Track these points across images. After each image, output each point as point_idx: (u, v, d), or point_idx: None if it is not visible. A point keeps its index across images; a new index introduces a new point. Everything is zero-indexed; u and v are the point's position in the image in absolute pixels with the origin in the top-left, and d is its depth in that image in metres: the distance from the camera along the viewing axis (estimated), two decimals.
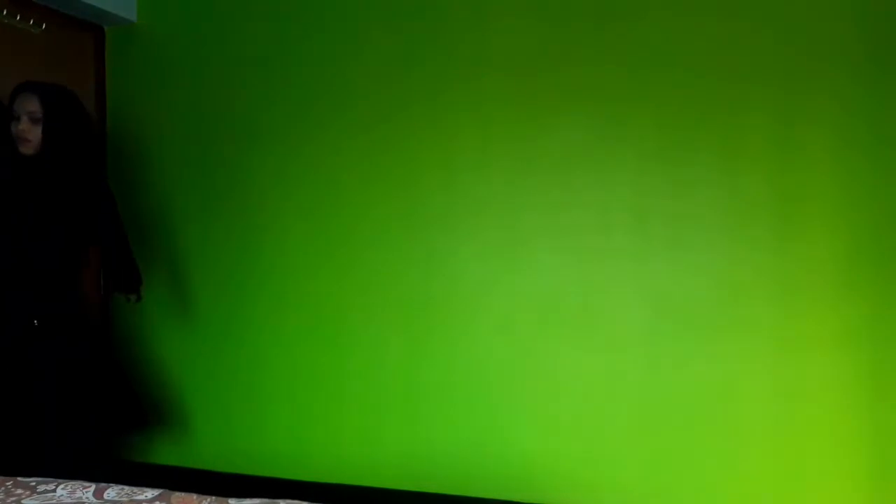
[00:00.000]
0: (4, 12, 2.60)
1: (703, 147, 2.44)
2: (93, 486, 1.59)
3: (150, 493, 1.57)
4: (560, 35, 2.57)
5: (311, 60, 2.85)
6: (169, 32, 3.05)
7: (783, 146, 2.38)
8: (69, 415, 2.31)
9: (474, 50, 2.66)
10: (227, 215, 2.96)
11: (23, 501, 1.51)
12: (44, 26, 2.76)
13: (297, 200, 2.87)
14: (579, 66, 2.55)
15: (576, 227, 2.57)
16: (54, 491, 1.58)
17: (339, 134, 2.82)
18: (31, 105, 2.20)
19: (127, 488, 1.59)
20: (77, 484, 1.61)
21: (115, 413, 2.55)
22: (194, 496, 1.53)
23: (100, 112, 3.10)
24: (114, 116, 3.12)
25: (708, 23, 2.43)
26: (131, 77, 3.10)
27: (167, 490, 1.58)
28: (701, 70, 2.43)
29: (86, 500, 1.53)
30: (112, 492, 1.57)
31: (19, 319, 2.25)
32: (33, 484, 1.62)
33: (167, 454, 3.07)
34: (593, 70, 2.53)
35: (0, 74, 2.53)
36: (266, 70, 2.91)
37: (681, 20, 2.45)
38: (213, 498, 1.51)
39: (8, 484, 1.62)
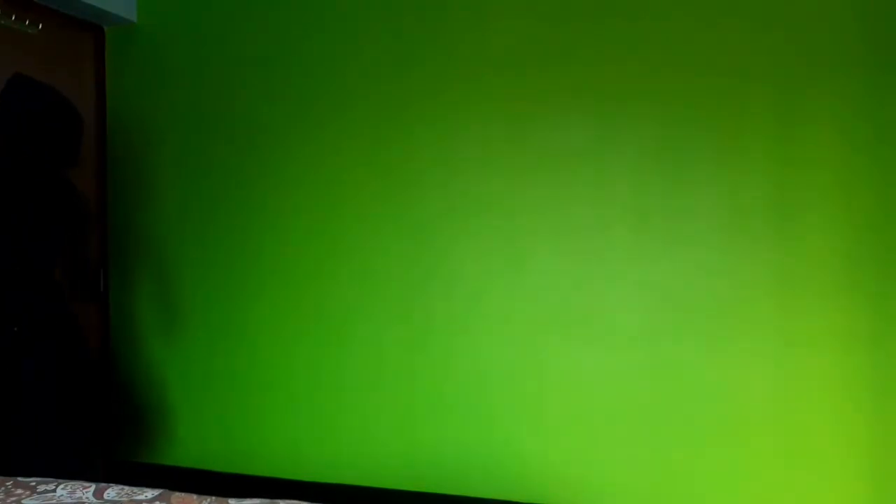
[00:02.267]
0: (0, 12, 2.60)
1: (703, 145, 2.44)
2: (93, 486, 1.59)
3: (150, 493, 1.57)
4: (560, 34, 2.57)
5: (311, 60, 2.85)
6: (169, 32, 3.05)
7: (784, 144, 2.38)
8: (63, 415, 2.31)
9: (474, 50, 2.66)
10: (227, 215, 2.96)
11: (23, 501, 1.51)
12: (40, 27, 2.76)
13: (297, 200, 2.87)
14: (579, 65, 2.55)
15: (575, 226, 2.57)
16: (54, 491, 1.58)
17: (339, 134, 2.82)
18: None
19: (127, 488, 1.59)
20: (77, 484, 1.61)
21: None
22: (194, 496, 1.53)
23: (99, 112, 3.10)
24: (113, 116, 3.12)
25: (708, 21, 2.43)
26: (131, 77, 3.10)
27: (167, 490, 1.58)
28: (701, 68, 2.43)
29: (86, 500, 1.53)
30: (112, 492, 1.57)
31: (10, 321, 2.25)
32: (33, 484, 1.62)
33: (167, 454, 3.07)
34: (593, 69, 2.53)
35: (0, 74, 2.52)
36: (266, 70, 2.91)
37: (681, 19, 2.45)
38: (213, 498, 1.51)
39: (8, 484, 1.62)
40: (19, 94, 2.28)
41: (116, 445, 3.12)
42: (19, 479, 1.65)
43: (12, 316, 2.25)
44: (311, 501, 1.62)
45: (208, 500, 1.50)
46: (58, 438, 2.28)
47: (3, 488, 1.59)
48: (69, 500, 1.53)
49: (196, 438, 3.03)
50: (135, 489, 1.59)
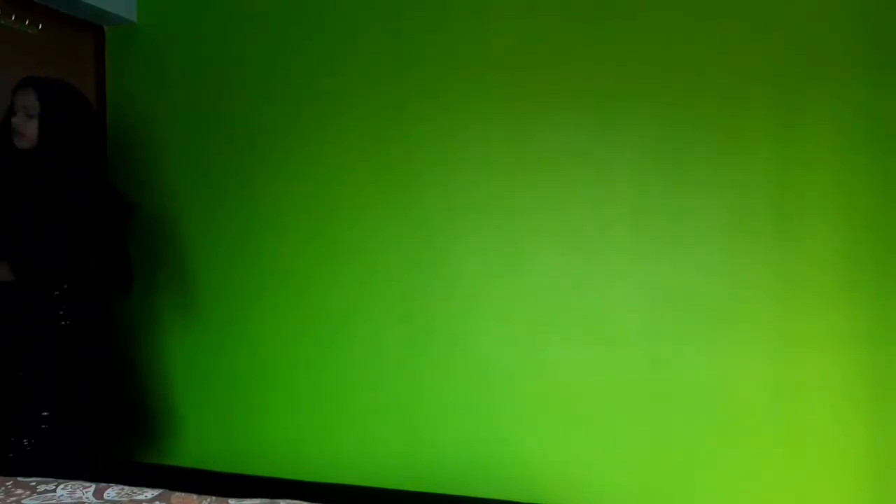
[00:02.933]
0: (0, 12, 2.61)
1: (703, 144, 2.44)
2: (93, 486, 1.59)
3: (150, 493, 1.57)
4: (559, 34, 2.57)
5: (311, 60, 2.85)
6: (169, 32, 3.05)
7: (784, 144, 2.38)
8: (68, 415, 2.31)
9: (474, 50, 2.66)
10: (227, 215, 2.96)
11: (23, 501, 1.51)
12: (40, 27, 2.76)
13: (297, 199, 2.87)
14: (579, 64, 2.55)
15: (575, 225, 2.57)
16: (54, 491, 1.58)
17: (338, 133, 2.82)
18: (27, 99, 2.22)
19: (127, 488, 1.59)
20: (77, 484, 1.61)
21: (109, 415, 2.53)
22: (194, 496, 1.53)
23: (100, 112, 3.10)
24: (114, 116, 3.12)
25: (708, 21, 2.43)
26: (131, 77, 3.10)
27: (167, 490, 1.58)
28: (701, 68, 2.43)
29: (86, 500, 1.53)
30: (112, 492, 1.57)
31: (18, 320, 2.25)
32: (33, 484, 1.62)
33: (167, 454, 3.07)
34: (593, 68, 2.53)
35: (0, 74, 2.53)
36: (266, 70, 2.91)
37: (681, 18, 2.45)
38: (213, 498, 1.51)
39: (8, 484, 1.62)
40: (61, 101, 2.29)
41: (116, 445, 3.12)
42: (19, 479, 1.65)
43: (13, 316, 2.26)
44: (311, 501, 1.61)
45: (208, 500, 1.50)
46: (58, 438, 2.28)
47: (3, 488, 1.59)
48: (69, 500, 1.53)
49: (196, 438, 3.03)
50: (135, 489, 1.59)
